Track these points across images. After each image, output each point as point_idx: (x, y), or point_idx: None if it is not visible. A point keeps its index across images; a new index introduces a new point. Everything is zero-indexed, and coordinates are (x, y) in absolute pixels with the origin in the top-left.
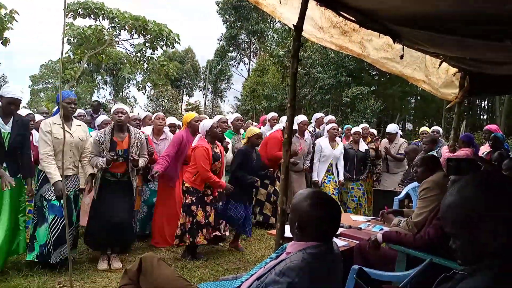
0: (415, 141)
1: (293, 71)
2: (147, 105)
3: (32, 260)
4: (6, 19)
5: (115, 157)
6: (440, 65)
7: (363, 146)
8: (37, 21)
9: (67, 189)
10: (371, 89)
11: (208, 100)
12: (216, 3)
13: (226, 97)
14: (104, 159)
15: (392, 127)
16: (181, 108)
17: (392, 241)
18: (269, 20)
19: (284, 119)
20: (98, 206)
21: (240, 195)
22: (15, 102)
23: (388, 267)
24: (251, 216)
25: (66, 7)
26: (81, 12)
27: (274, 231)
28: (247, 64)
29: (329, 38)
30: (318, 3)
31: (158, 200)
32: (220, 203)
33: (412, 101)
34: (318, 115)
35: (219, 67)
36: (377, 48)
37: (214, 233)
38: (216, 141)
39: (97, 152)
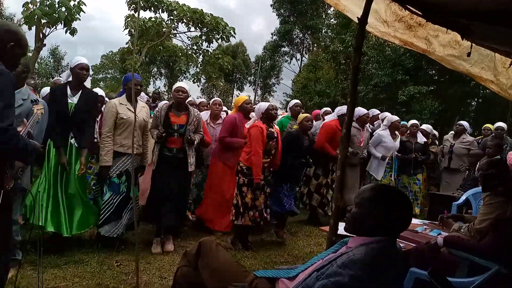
0: (477, 138)
1: (355, 64)
2: (200, 97)
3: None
4: (74, 10)
5: (163, 134)
6: (511, 65)
7: (421, 139)
8: (97, 13)
9: (128, 167)
10: (430, 88)
11: (257, 95)
12: None
13: (275, 91)
14: (156, 132)
15: (463, 121)
16: (232, 102)
17: (454, 246)
18: (323, 15)
19: (337, 110)
20: (154, 180)
21: (286, 177)
22: (85, 67)
23: (448, 272)
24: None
25: (128, 0)
26: (142, 5)
27: (326, 228)
28: (298, 59)
29: (393, 32)
30: None
31: (208, 183)
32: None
33: (474, 103)
34: (374, 111)
35: (269, 62)
36: (443, 44)
37: (259, 217)
38: (272, 123)
39: (154, 125)
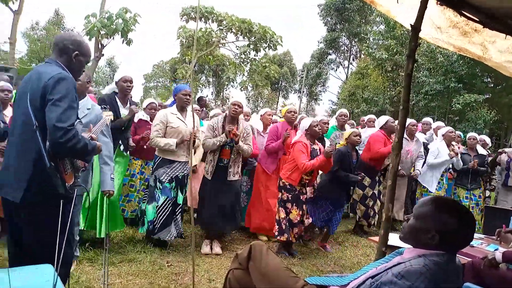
0: None
1: (408, 72)
2: (246, 105)
3: (143, 233)
4: (130, 22)
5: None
6: None
7: (481, 151)
8: (150, 24)
9: (178, 172)
10: (485, 97)
11: (302, 103)
12: (318, 6)
13: (321, 100)
14: (223, 135)
15: None
16: (276, 109)
17: None
18: (371, 22)
19: (381, 119)
20: (209, 189)
21: (331, 194)
22: (127, 78)
23: None
24: (340, 215)
25: (181, 12)
26: (193, 16)
27: (376, 238)
28: (346, 67)
29: (446, 39)
30: (438, 2)
31: (254, 190)
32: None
33: None
34: (426, 120)
35: (316, 69)
36: (501, 50)
37: (304, 231)
38: (315, 140)
39: (211, 136)
